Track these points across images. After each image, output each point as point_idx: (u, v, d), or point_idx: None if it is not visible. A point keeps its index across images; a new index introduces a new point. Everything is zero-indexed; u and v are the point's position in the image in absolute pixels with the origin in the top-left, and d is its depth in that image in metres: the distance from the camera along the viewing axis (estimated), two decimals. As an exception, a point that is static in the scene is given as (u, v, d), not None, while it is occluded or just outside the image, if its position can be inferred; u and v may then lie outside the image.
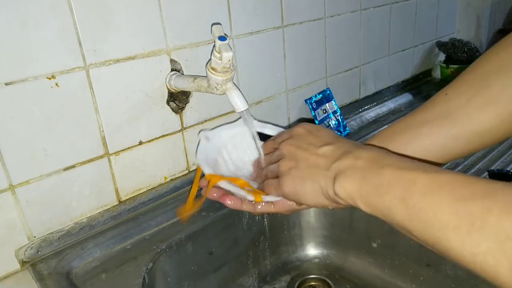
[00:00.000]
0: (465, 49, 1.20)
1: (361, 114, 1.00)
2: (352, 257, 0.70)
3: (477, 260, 0.27)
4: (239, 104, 0.51)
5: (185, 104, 0.67)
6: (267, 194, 0.46)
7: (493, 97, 0.40)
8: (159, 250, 0.57)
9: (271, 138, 0.53)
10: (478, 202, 0.28)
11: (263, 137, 0.54)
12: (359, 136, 0.89)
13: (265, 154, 0.52)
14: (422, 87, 1.22)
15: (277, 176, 0.45)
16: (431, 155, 0.44)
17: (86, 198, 0.59)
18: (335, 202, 0.39)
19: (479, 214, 0.27)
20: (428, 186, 0.31)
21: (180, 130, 0.68)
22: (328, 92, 0.90)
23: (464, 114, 0.42)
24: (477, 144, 0.43)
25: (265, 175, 0.49)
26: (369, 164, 0.36)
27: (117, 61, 0.58)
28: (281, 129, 0.55)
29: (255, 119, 0.54)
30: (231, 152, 0.55)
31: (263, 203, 0.47)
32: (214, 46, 0.50)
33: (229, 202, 0.49)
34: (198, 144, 0.54)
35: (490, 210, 0.27)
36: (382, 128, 0.47)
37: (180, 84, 0.62)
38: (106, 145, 0.60)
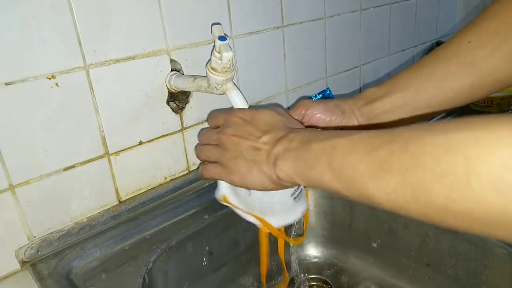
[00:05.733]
0: (465, 49, 1.20)
1: (361, 114, 0.99)
2: (352, 257, 0.70)
3: (391, 199, 0.31)
4: (239, 104, 0.51)
5: (185, 104, 0.67)
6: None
7: None
8: (159, 250, 0.57)
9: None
10: (383, 148, 0.32)
11: None
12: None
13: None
14: (422, 87, 1.22)
15: (216, 162, 0.47)
16: (452, 102, 0.46)
17: (86, 198, 0.59)
18: (280, 185, 0.42)
19: (385, 157, 0.31)
20: (346, 147, 0.35)
21: (180, 130, 0.68)
22: (328, 92, 0.90)
23: (490, 65, 0.43)
24: (499, 87, 0.45)
25: (204, 157, 0.49)
26: (300, 144, 0.39)
27: (117, 61, 0.58)
28: None
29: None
30: None
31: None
32: (214, 46, 0.50)
33: None
34: None
35: (393, 151, 0.31)
36: (401, 74, 0.49)
37: (180, 84, 0.62)
38: (106, 145, 0.60)
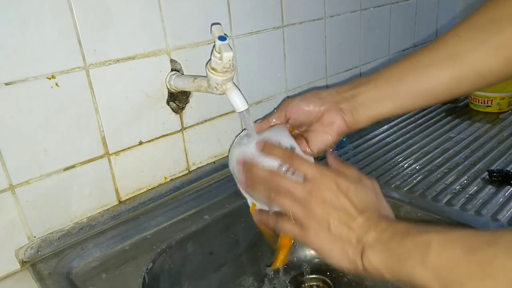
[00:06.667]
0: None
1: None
2: (352, 257, 0.70)
3: None
4: (239, 104, 0.51)
5: (185, 104, 0.67)
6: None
7: (505, 42, 0.41)
8: (159, 250, 0.57)
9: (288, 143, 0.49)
10: (484, 249, 0.30)
11: None
12: (359, 136, 0.89)
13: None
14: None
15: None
16: (434, 95, 0.46)
17: (86, 198, 0.59)
18: (360, 272, 0.40)
19: (487, 260, 0.30)
20: (442, 244, 0.33)
21: (180, 130, 0.68)
22: (328, 92, 0.90)
23: (473, 58, 0.43)
24: (480, 85, 0.45)
25: (283, 206, 0.45)
26: (392, 236, 0.38)
27: (117, 61, 0.58)
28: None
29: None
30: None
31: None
32: (214, 46, 0.50)
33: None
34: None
35: (495, 255, 0.29)
36: (389, 65, 0.50)
37: (180, 84, 0.62)
38: (106, 145, 0.60)
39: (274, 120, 0.52)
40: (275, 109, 0.54)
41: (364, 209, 0.41)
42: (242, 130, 0.54)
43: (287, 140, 0.49)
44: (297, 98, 0.51)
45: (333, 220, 0.41)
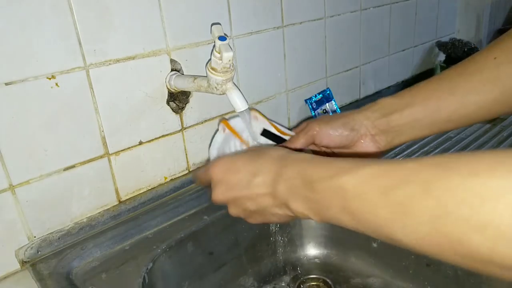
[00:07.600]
0: (465, 49, 1.20)
1: (361, 114, 0.99)
2: (353, 257, 0.70)
3: (423, 246, 0.28)
4: (239, 104, 0.52)
5: (185, 104, 0.67)
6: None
7: None
8: (159, 250, 0.57)
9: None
10: (400, 189, 0.28)
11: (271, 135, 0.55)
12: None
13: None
14: (422, 87, 1.22)
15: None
16: (472, 118, 0.45)
17: (86, 198, 0.59)
18: (300, 218, 0.41)
19: (405, 201, 0.28)
20: (356, 188, 0.32)
21: (180, 130, 0.68)
22: (328, 92, 0.90)
23: None
24: None
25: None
26: (303, 183, 0.37)
27: (117, 61, 0.58)
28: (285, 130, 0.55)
29: (264, 117, 0.55)
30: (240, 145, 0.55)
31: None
32: (214, 46, 0.50)
33: None
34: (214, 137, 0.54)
35: (413, 195, 0.27)
36: (422, 88, 0.49)
37: (180, 84, 0.62)
38: (106, 145, 0.60)
39: (300, 142, 0.51)
40: (298, 133, 0.52)
41: (253, 168, 0.42)
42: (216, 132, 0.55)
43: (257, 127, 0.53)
44: (324, 127, 0.50)
45: (243, 202, 0.43)
